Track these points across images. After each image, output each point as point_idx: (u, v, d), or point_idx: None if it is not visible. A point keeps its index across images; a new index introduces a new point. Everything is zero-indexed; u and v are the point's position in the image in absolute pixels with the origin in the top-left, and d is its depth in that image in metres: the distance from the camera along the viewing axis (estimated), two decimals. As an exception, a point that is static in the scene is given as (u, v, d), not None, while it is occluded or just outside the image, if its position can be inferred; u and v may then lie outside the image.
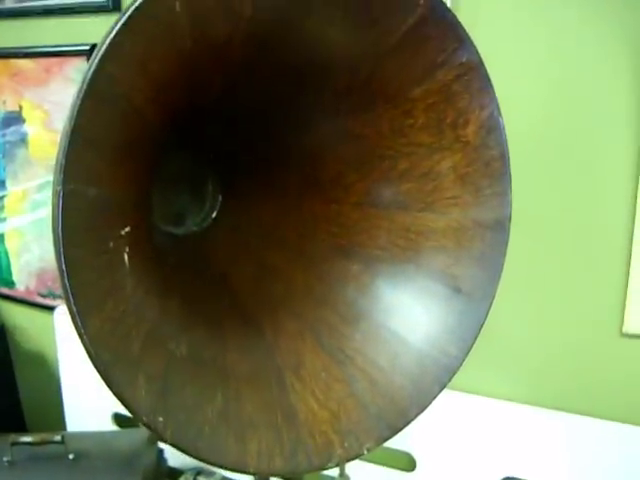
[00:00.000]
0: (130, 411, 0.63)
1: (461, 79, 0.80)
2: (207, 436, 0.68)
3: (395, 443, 1.22)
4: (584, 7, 0.98)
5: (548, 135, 1.04)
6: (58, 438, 1.24)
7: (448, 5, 1.01)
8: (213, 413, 0.69)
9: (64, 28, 1.39)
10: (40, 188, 1.54)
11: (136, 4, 0.59)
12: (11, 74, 1.48)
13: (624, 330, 1.04)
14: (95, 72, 0.58)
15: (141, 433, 1.33)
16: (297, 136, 0.88)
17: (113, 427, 1.56)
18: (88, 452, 1.26)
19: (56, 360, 1.60)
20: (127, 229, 0.67)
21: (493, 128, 0.82)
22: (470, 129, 0.82)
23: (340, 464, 0.76)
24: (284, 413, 0.75)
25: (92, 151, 0.61)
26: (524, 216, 1.02)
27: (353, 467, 0.84)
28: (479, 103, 0.81)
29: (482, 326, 0.84)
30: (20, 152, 1.56)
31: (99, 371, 0.61)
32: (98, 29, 1.35)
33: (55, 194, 0.58)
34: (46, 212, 1.52)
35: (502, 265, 0.84)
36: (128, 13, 0.59)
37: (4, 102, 1.53)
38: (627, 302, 1.03)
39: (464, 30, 0.77)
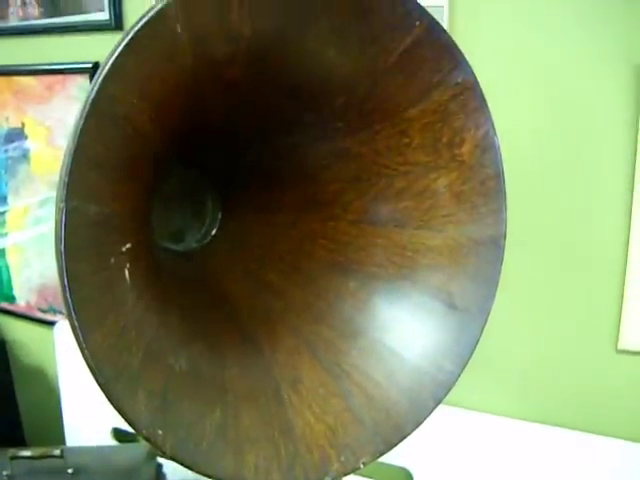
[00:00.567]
0: (130, 424, 0.64)
1: (457, 99, 0.81)
2: (205, 450, 0.69)
3: (392, 458, 1.22)
4: (580, 27, 1.00)
5: (543, 153, 1.06)
6: (57, 452, 1.24)
7: (444, 26, 1.04)
8: (211, 427, 0.70)
9: (67, 46, 1.41)
10: (41, 204, 1.56)
11: (138, 26, 0.61)
12: (14, 91, 1.51)
13: (619, 346, 1.05)
14: (98, 92, 0.60)
15: (140, 448, 1.34)
16: (294, 155, 0.90)
17: (112, 442, 1.56)
18: (87, 467, 1.27)
19: (56, 375, 1.61)
20: (128, 246, 0.68)
21: (488, 147, 0.83)
22: (466, 148, 0.83)
23: (337, 478, 0.77)
24: (281, 428, 0.76)
25: (94, 169, 0.62)
26: (519, 233, 1.04)
27: (350, 481, 0.86)
28: (474, 123, 0.83)
29: (477, 342, 0.85)
30: (22, 168, 1.57)
31: (100, 385, 0.62)
32: (100, 47, 1.36)
33: (58, 211, 0.60)
34: (47, 228, 1.54)
35: (497, 282, 0.85)
36: (130, 35, 0.61)
37: (7, 119, 1.55)
38: (622, 318, 1.04)
39: (460, 51, 0.79)
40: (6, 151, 1.58)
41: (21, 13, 1.45)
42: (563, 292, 1.09)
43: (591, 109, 1.01)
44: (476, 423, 1.17)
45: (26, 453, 1.24)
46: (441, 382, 0.84)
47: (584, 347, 1.09)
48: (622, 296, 1.04)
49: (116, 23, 1.34)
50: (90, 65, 1.37)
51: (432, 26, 0.76)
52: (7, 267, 1.69)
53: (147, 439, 0.65)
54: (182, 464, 0.67)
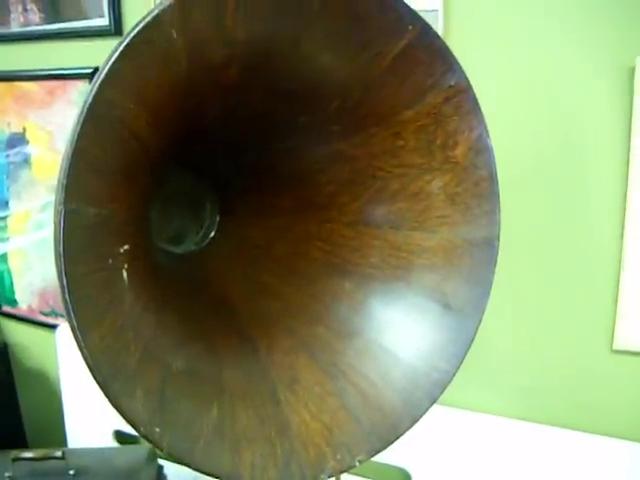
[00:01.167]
0: (128, 422, 0.65)
1: (450, 102, 0.82)
2: (202, 448, 0.70)
3: (390, 458, 1.24)
4: (573, 31, 1.01)
5: (536, 156, 1.07)
6: (59, 454, 1.25)
7: (439, 30, 1.05)
8: (209, 426, 0.72)
9: (67, 52, 1.43)
10: (43, 208, 1.57)
11: (134, 31, 0.62)
12: (16, 96, 1.52)
13: (614, 346, 1.06)
14: (95, 97, 0.61)
15: (142, 450, 1.35)
16: (290, 158, 0.91)
17: (114, 444, 1.57)
18: (88, 468, 1.28)
19: (57, 378, 1.62)
20: (126, 247, 0.69)
21: (482, 149, 0.84)
22: (459, 150, 0.85)
23: (332, 475, 0.78)
24: (278, 426, 0.77)
25: (92, 172, 0.63)
26: (515, 234, 1.05)
27: (348, 481, 0.87)
28: (468, 125, 0.84)
29: (472, 341, 0.86)
30: (24, 173, 1.59)
31: (98, 383, 0.63)
32: (101, 53, 1.37)
33: (57, 213, 0.61)
34: (49, 232, 1.54)
35: (491, 282, 0.86)
36: (127, 40, 0.62)
37: (9, 124, 1.57)
38: (617, 319, 1.05)
39: (452, 54, 0.80)
40: (7, 156, 1.60)
41: (22, 19, 1.47)
42: (558, 292, 1.10)
43: (584, 112, 1.02)
44: (472, 423, 1.18)
45: (28, 455, 1.25)
46: (436, 381, 0.85)
47: (579, 347, 1.10)
48: (617, 296, 1.05)
49: (116, 28, 1.36)
50: (90, 70, 1.38)
51: (425, 30, 0.78)
52: (9, 271, 1.70)
53: (145, 436, 0.66)
54: (179, 461, 0.68)
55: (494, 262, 0.86)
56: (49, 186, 1.55)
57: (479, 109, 0.83)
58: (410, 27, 0.77)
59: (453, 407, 1.18)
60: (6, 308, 1.76)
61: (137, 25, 0.63)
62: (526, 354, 1.15)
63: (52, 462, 1.26)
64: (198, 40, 0.67)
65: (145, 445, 1.45)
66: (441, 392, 0.85)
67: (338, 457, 0.79)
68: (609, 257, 1.05)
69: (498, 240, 0.86)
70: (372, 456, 0.81)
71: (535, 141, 1.06)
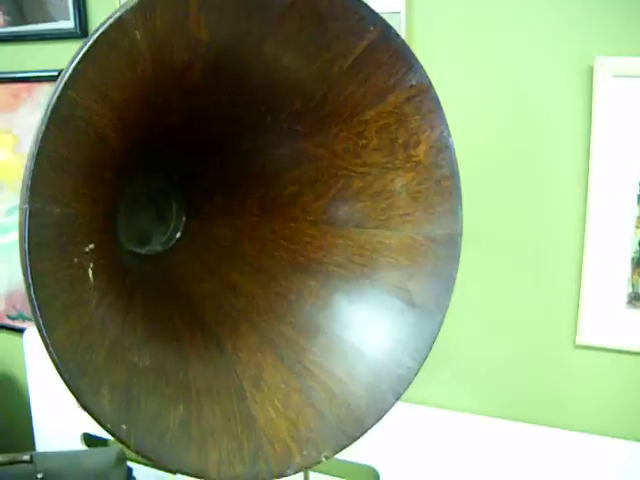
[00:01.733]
0: (94, 419, 0.65)
1: (412, 101, 0.84)
2: (169, 444, 0.70)
3: (359, 457, 1.25)
4: (535, 30, 1.03)
5: (498, 153, 1.09)
6: (27, 458, 1.24)
7: (402, 31, 1.07)
8: (175, 422, 0.72)
9: (33, 54, 1.42)
10: (9, 212, 1.56)
11: (98, 33, 0.63)
12: (-20, 99, 1.50)
13: (577, 341, 1.08)
14: (59, 97, 0.62)
15: (110, 452, 1.34)
16: (254, 158, 0.92)
17: (82, 447, 1.57)
18: (57, 471, 1.27)
19: (25, 382, 1.61)
20: (91, 246, 0.70)
21: (443, 147, 0.86)
22: (421, 149, 0.86)
23: (299, 471, 0.79)
24: (244, 422, 0.78)
25: (57, 172, 0.64)
26: (476, 231, 1.07)
27: (317, 480, 0.88)
28: (429, 124, 0.85)
29: (436, 338, 0.87)
30: (-12, 177, 1.57)
31: (64, 381, 0.64)
32: (67, 55, 1.37)
33: (22, 212, 0.61)
34: (14, 236, 1.53)
35: (454, 279, 0.88)
36: (90, 41, 0.63)
37: (-27, 127, 1.55)
38: (580, 314, 1.07)
39: (413, 54, 0.82)
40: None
41: (-13, 22, 1.46)
42: (521, 288, 1.13)
43: (547, 109, 1.05)
44: (440, 420, 1.19)
45: (-5, 459, 1.25)
46: (401, 377, 0.86)
47: (543, 343, 1.12)
48: (579, 292, 1.07)
49: (82, 31, 1.35)
50: (57, 73, 1.37)
51: (386, 31, 0.79)
52: (-27, 275, 1.68)
53: (112, 433, 0.67)
54: (146, 458, 0.69)
55: (457, 259, 0.88)
56: (16, 189, 1.53)
57: (440, 108, 0.85)
58: (372, 28, 0.78)
59: (419, 404, 1.20)
60: (-29, 312, 1.73)
61: (100, 26, 0.63)
62: (490, 350, 1.17)
63: (20, 466, 1.25)
64: (162, 41, 0.68)
65: (114, 447, 1.44)
66: (405, 388, 0.86)
67: (304, 453, 0.80)
68: (572, 253, 1.08)
69: (461, 237, 0.88)
70: (338, 452, 0.82)
71: (497, 138, 1.08)
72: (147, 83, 0.70)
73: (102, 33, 0.63)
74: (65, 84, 0.62)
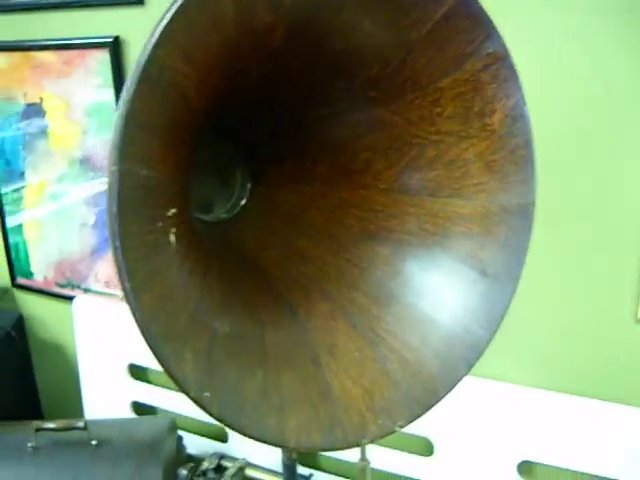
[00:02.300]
0: (178, 385, 0.65)
1: (489, 69, 0.82)
2: (249, 412, 0.70)
3: (413, 428, 1.24)
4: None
5: (574, 124, 1.07)
6: (81, 424, 1.26)
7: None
8: (254, 390, 0.72)
9: (86, 20, 1.41)
10: (60, 179, 1.56)
11: (188, -9, 0.62)
12: (32, 66, 1.50)
13: (639, 315, 1.07)
14: (149, 57, 0.61)
15: (162, 420, 1.35)
16: (326, 124, 0.91)
17: (131, 415, 1.58)
18: (110, 439, 1.28)
19: (74, 349, 1.62)
20: (173, 210, 0.69)
21: (518, 117, 0.84)
22: (496, 117, 0.84)
23: (373, 441, 0.78)
24: (320, 391, 0.78)
25: (144, 133, 0.63)
26: (544, 204, 1.05)
27: (372, 451, 0.86)
28: (505, 92, 0.83)
29: (507, 309, 0.86)
30: (40, 144, 1.57)
31: (150, 347, 0.63)
32: (120, 22, 1.37)
33: (111, 173, 0.61)
34: (66, 203, 1.54)
35: (526, 249, 0.86)
36: (179, 2, 0.62)
37: (25, 94, 1.55)
38: (643, 288, 1.06)
39: (492, 22, 0.80)
40: (24, 127, 1.58)
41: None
42: (584, 261, 1.11)
43: (623, 78, 1.02)
44: (497, 393, 1.18)
45: (50, 425, 1.26)
46: (472, 346, 0.85)
47: (604, 317, 1.11)
48: (643, 266, 1.05)
49: (136, -3, 1.34)
50: (111, 40, 1.37)
51: (465, -3, 0.77)
52: (24, 243, 1.69)
53: (195, 401, 0.66)
54: (228, 426, 0.68)
55: (530, 229, 0.86)
56: (66, 157, 1.54)
57: (517, 76, 0.83)
58: (451, -7, 0.76)
59: (477, 376, 1.19)
60: (21, 280, 1.75)
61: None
62: (551, 323, 1.16)
63: (74, 433, 1.26)
64: (247, 4, 0.67)
65: (165, 416, 1.46)
66: (478, 357, 0.85)
67: (379, 422, 0.79)
68: (634, 225, 1.06)
69: (534, 207, 0.86)
70: (412, 421, 0.81)
71: (572, 108, 1.06)
72: (230, 45, 0.69)
73: (192, -8, 0.62)
74: (155, 44, 0.61)
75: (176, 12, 0.62)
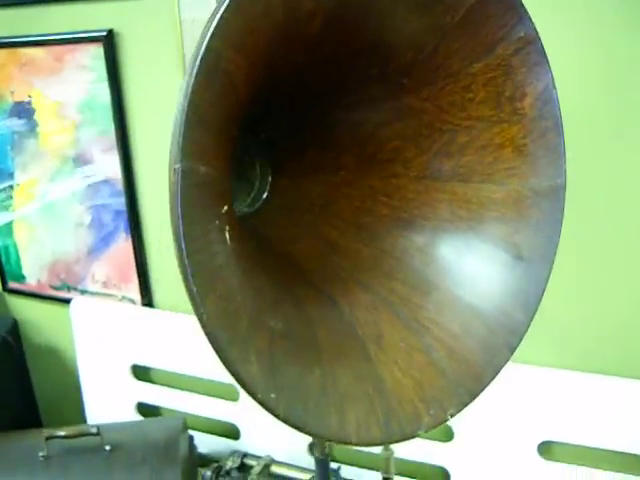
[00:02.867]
0: (246, 389, 0.63)
1: (519, 53, 0.82)
2: (312, 410, 0.69)
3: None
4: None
5: (596, 106, 1.07)
6: (94, 430, 1.23)
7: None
8: (314, 387, 0.70)
9: (77, 14, 1.36)
10: (51, 179, 1.52)
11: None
12: (20, 64, 1.44)
13: (660, 292, 1.08)
14: (207, 47, 0.59)
15: (175, 421, 1.33)
16: (354, 112, 0.90)
17: (137, 417, 1.55)
18: (124, 443, 1.25)
19: (73, 353, 1.58)
20: (226, 207, 0.67)
21: (548, 100, 0.84)
22: (527, 102, 0.84)
23: (427, 431, 0.78)
24: (374, 384, 0.76)
25: (201, 128, 0.61)
26: (574, 187, 1.06)
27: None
28: (536, 76, 0.83)
29: (544, 291, 0.86)
30: (30, 143, 1.52)
31: (216, 350, 0.61)
32: (114, 14, 1.33)
33: (173, 172, 0.59)
34: (57, 203, 1.50)
35: (559, 232, 0.87)
36: (234, -11, 0.60)
37: (12, 93, 1.50)
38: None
39: (523, 6, 0.79)
40: (12, 126, 1.52)
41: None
42: (605, 240, 1.12)
43: (631, 64, 1.03)
44: (513, 374, 1.19)
45: (61, 433, 1.22)
46: (513, 330, 0.85)
47: (625, 293, 1.12)
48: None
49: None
50: (104, 33, 1.33)
51: (498, -19, 0.77)
52: (15, 245, 1.64)
53: (261, 403, 0.65)
54: (294, 426, 0.67)
55: (561, 212, 0.86)
56: (57, 156, 1.49)
57: (546, 60, 0.83)
58: (484, -22, 0.76)
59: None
60: (13, 284, 1.70)
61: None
62: (567, 302, 1.16)
63: (87, 439, 1.23)
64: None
65: (176, 416, 1.43)
66: (519, 341, 0.85)
67: (431, 412, 0.78)
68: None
69: (564, 190, 0.86)
70: (461, 409, 0.81)
71: (595, 90, 1.07)
72: (277, 32, 0.68)
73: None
74: (212, 34, 0.59)
75: (230, 1, 0.60)
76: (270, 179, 0.98)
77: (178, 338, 1.44)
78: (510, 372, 1.19)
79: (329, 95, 0.87)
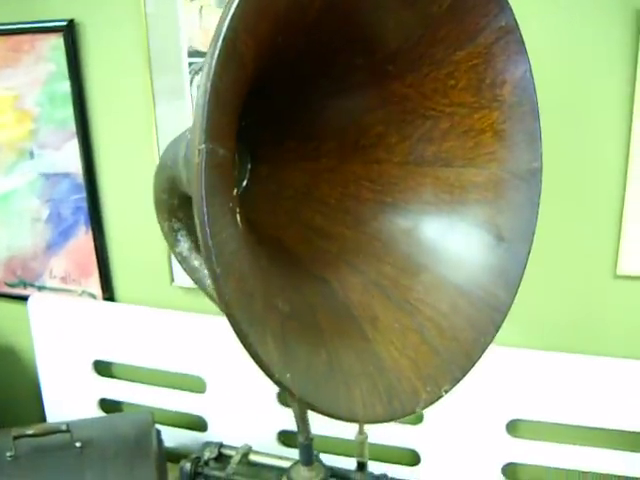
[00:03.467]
0: (263, 369, 0.64)
1: (500, 42, 0.85)
2: (323, 390, 0.70)
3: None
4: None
5: (546, 92, 1.11)
6: (64, 427, 1.20)
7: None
8: (322, 368, 0.72)
9: (35, 3, 1.32)
10: (7, 172, 1.47)
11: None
12: (-28, 55, 1.39)
13: (618, 272, 1.14)
14: (226, 30, 0.60)
15: (144, 415, 1.31)
16: (337, 99, 0.91)
17: (100, 414, 1.52)
18: (94, 439, 1.23)
19: (30, 351, 1.53)
20: (236, 190, 0.68)
21: (526, 87, 0.88)
22: (506, 89, 0.87)
23: (425, 408, 0.80)
24: (374, 363, 0.78)
25: (220, 110, 0.62)
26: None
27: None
28: (514, 64, 0.87)
29: (524, 270, 0.90)
30: (-16, 137, 1.46)
31: (237, 332, 0.62)
32: (75, 4, 1.30)
33: (197, 153, 0.59)
34: (13, 198, 1.46)
35: (537, 214, 0.90)
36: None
37: (-37, 85, 1.43)
38: (621, 244, 1.12)
39: (505, -5, 0.83)
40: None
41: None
42: (561, 219, 1.17)
43: (591, 52, 1.08)
44: (485, 355, 1.22)
45: (30, 431, 1.19)
46: (497, 308, 0.88)
47: (583, 273, 1.17)
48: (620, 222, 1.12)
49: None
50: (64, 23, 1.30)
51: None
52: (-35, 242, 1.57)
53: (278, 383, 0.65)
54: (306, 405, 0.68)
55: (538, 193, 0.90)
56: (14, 149, 1.45)
57: (524, 48, 0.86)
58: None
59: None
60: (-36, 284, 1.62)
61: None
62: (530, 282, 1.20)
63: (56, 436, 1.20)
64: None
65: (142, 410, 1.41)
66: (503, 318, 0.88)
67: (428, 389, 0.81)
68: (613, 182, 1.12)
69: (541, 172, 0.90)
70: (454, 386, 0.84)
71: (545, 77, 1.11)
72: (281, 14, 0.68)
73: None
74: (232, 16, 0.60)
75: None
76: (249, 167, 0.98)
77: (141, 332, 1.42)
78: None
79: (315, 82, 0.89)
